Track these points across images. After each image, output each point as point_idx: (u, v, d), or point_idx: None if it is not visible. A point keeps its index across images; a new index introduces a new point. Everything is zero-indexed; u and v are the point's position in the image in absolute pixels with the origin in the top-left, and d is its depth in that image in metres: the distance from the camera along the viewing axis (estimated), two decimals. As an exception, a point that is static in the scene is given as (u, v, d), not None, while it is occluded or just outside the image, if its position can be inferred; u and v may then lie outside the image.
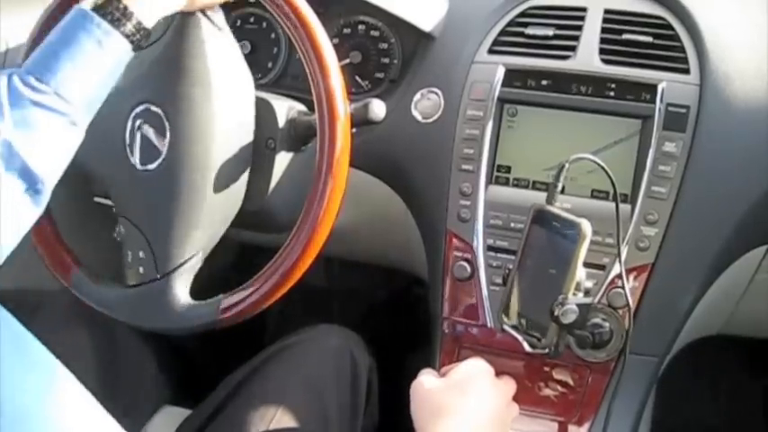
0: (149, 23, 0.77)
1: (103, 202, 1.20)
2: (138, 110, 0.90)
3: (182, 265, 0.89)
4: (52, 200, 0.99)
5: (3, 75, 0.72)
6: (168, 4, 0.81)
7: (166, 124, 0.89)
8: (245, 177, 0.94)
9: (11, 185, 0.70)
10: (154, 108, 0.90)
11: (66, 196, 1.27)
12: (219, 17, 0.91)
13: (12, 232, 0.71)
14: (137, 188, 0.91)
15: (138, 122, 0.91)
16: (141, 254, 0.90)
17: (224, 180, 0.91)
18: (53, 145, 0.72)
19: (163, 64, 0.90)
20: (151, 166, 0.90)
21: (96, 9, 0.74)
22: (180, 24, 0.89)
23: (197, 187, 0.89)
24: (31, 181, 0.71)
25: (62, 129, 0.73)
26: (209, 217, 0.91)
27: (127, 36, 0.75)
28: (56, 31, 0.75)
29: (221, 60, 0.90)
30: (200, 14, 0.88)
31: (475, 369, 0.86)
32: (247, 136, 0.93)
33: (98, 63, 0.74)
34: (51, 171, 0.73)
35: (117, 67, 0.77)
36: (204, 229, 0.91)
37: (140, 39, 0.77)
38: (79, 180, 1.17)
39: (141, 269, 0.90)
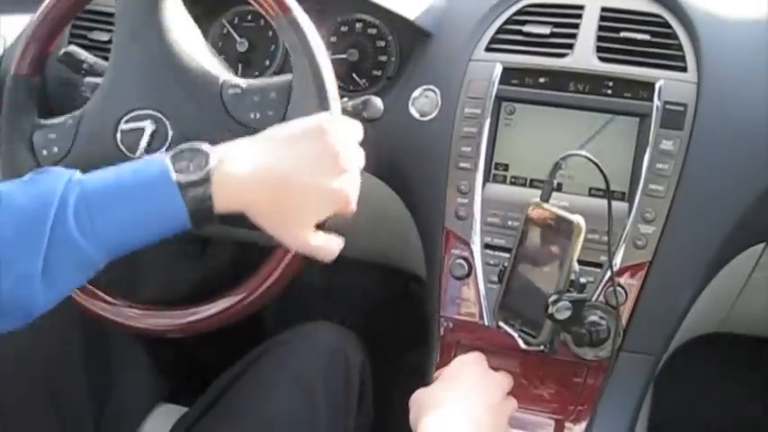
0: (220, 208, 0.70)
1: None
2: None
3: None
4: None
5: (59, 185, 0.66)
6: (247, 205, 0.73)
7: (170, 132, 0.89)
8: None
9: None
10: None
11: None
12: None
13: None
14: None
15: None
16: None
17: None
18: (62, 282, 0.68)
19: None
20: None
21: (183, 185, 0.68)
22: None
23: None
24: (24, 314, 0.68)
25: (80, 267, 0.68)
26: None
27: (192, 218, 0.69)
28: (134, 177, 0.68)
29: None
30: None
31: (466, 362, 0.87)
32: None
33: (152, 232, 0.70)
34: (47, 305, 0.68)
35: (164, 237, 0.71)
36: None
37: (201, 224, 0.71)
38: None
39: None
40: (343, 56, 1.16)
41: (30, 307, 0.67)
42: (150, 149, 0.89)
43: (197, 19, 0.95)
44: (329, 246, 0.78)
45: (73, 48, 1.06)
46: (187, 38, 0.91)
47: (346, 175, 0.76)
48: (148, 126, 0.89)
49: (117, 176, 0.68)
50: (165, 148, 0.89)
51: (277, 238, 0.76)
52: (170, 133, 0.89)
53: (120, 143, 0.90)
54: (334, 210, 0.76)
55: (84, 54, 1.05)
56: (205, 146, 0.71)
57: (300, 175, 0.73)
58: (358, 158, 0.79)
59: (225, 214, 0.71)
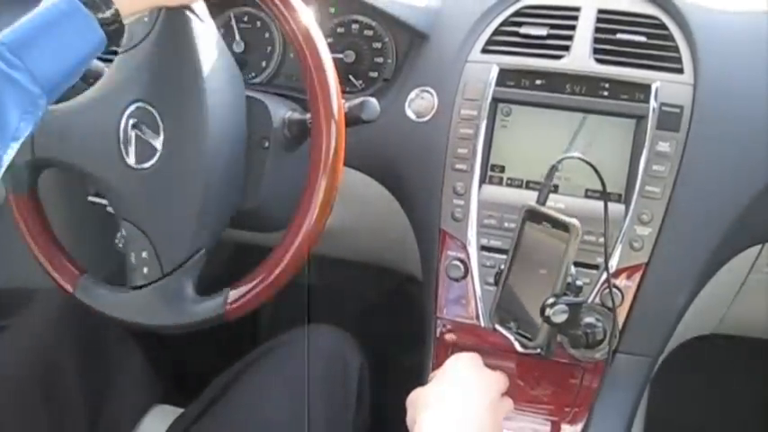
0: (126, 13, 0.78)
1: (98, 201, 1.20)
2: (130, 108, 0.90)
3: (185, 262, 0.90)
4: (45, 204, 0.98)
5: None
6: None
7: (160, 122, 0.89)
8: (241, 173, 0.94)
9: None
10: (147, 106, 0.90)
11: (60, 198, 1.27)
12: (201, 7, 0.90)
13: None
14: (134, 188, 0.91)
15: (131, 121, 0.91)
16: (144, 254, 0.90)
17: (220, 176, 0.91)
18: (13, 124, 0.71)
19: (154, 61, 0.90)
20: (147, 165, 0.90)
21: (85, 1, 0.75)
22: (166, 20, 0.88)
23: (195, 184, 0.89)
24: None
25: (26, 109, 0.72)
26: (209, 214, 0.91)
27: (103, 25, 0.76)
28: (38, 10, 0.75)
29: (210, 56, 0.90)
30: (184, 9, 0.88)
31: (460, 360, 0.87)
32: (240, 132, 0.93)
33: (74, 50, 0.75)
34: (5, 155, 0.71)
35: (89, 56, 0.77)
36: (205, 225, 0.91)
37: (115, 31, 0.78)
38: (71, 181, 1.17)
39: (146, 270, 0.90)
40: (340, 56, 1.16)
41: None
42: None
43: None
44: None
45: None
46: None
47: None
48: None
49: (26, 19, 0.74)
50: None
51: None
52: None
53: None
54: None
55: None
56: None
57: None
58: None
59: (132, 17, 0.80)
